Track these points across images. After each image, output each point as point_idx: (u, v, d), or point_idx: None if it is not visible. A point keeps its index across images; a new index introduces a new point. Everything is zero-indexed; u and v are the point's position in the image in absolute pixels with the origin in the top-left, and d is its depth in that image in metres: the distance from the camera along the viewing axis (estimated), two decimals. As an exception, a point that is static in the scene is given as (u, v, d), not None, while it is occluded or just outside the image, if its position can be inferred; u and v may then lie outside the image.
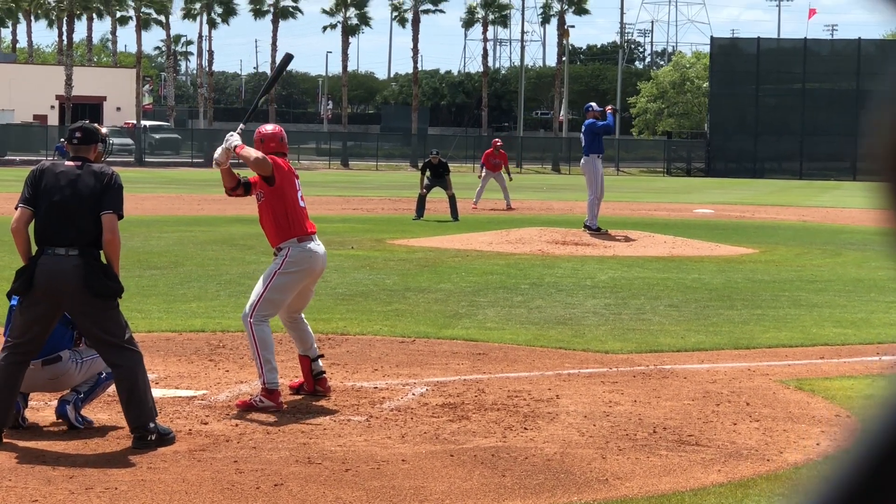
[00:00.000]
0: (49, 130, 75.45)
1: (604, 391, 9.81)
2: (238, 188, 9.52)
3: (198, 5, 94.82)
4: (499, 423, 8.62)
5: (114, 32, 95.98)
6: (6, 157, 70.54)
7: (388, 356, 11.25)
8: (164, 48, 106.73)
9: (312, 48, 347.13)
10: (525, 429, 8.48)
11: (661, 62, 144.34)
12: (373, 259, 20.31)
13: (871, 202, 0.90)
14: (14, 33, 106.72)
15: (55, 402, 8.50)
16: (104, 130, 8.51)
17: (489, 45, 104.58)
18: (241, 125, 9.73)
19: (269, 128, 9.64)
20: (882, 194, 0.90)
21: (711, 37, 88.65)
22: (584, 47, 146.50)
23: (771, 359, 11.51)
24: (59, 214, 7.96)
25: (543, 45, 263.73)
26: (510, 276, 18.20)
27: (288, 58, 10.67)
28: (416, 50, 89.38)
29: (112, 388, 8.32)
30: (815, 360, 11.52)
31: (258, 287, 9.27)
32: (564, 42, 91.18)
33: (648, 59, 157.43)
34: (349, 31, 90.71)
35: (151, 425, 7.88)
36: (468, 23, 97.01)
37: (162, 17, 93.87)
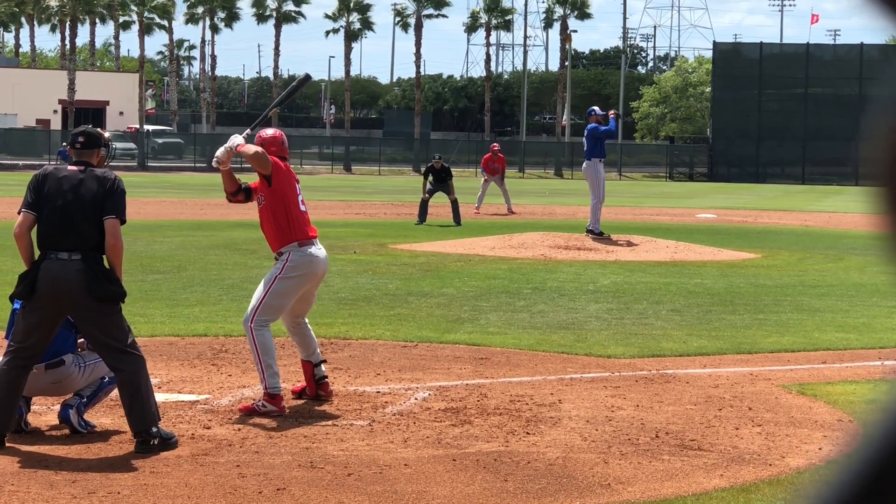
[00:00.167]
0: (52, 135, 75.44)
1: (606, 396, 9.81)
2: (239, 193, 9.51)
3: (200, 10, 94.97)
4: (501, 428, 8.62)
5: (117, 37, 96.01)
6: (9, 162, 70.57)
7: (391, 361, 11.25)
8: (166, 53, 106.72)
9: (315, 53, 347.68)
10: (527, 433, 8.48)
11: (664, 67, 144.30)
12: (375, 263, 20.31)
13: (869, 206, 0.90)
14: (17, 38, 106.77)
15: (58, 407, 8.50)
16: (107, 135, 8.52)
17: (492, 50, 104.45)
18: (248, 130, 9.71)
19: (269, 132, 9.63)
20: (880, 199, 0.90)
21: (714, 41, 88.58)
22: (587, 52, 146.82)
23: (773, 363, 11.50)
24: (62, 219, 7.96)
25: (546, 49, 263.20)
26: (513, 280, 18.21)
27: (306, 78, 10.65)
28: (418, 54, 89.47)
29: (115, 393, 8.33)
30: (818, 364, 11.52)
31: (259, 292, 9.26)
32: (567, 47, 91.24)
33: (651, 64, 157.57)
34: (352, 36, 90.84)
35: (154, 430, 7.88)
36: (471, 27, 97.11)
37: (165, 22, 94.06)
